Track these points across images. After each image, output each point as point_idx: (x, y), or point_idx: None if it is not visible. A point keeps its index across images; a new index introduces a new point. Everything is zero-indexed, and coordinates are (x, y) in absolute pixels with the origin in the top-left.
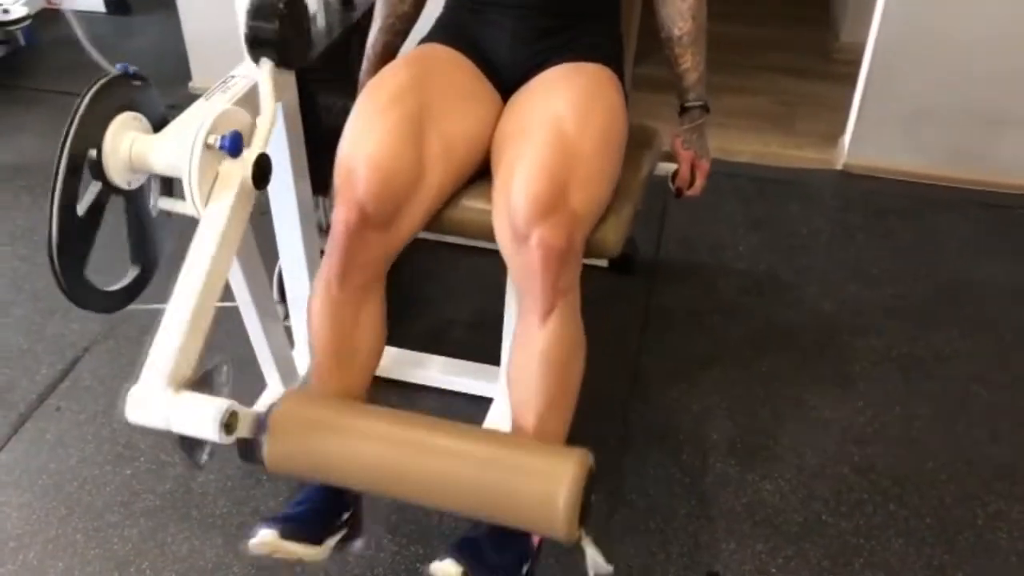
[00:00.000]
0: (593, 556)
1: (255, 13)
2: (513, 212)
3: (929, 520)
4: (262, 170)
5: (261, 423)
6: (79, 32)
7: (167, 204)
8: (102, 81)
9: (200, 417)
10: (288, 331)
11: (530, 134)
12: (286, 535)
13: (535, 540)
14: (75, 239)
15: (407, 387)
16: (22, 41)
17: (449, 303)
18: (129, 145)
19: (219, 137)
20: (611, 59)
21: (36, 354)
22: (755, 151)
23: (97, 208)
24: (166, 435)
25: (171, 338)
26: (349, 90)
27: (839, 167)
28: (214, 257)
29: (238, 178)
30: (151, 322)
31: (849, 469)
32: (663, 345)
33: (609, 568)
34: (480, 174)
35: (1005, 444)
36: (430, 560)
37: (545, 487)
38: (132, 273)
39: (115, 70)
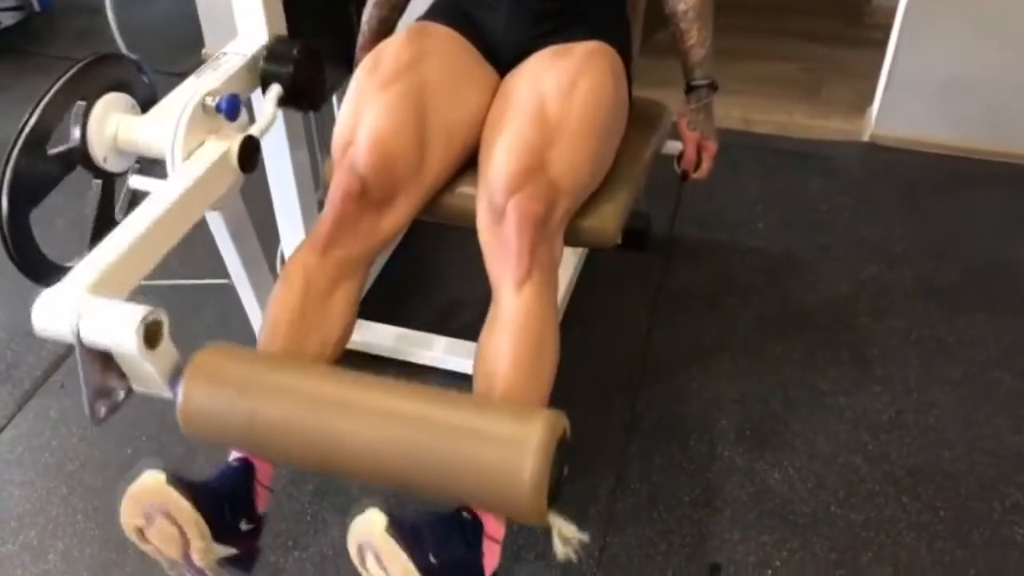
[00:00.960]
0: (560, 528)
1: (269, 55)
2: (491, 190)
3: (943, 513)
4: (248, 152)
5: (176, 375)
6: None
7: (140, 182)
8: (84, 63)
9: (117, 321)
10: None
11: (510, 116)
12: (175, 484)
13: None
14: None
15: (410, 367)
16: (36, 6)
17: (456, 283)
18: (115, 126)
19: (217, 97)
20: (611, 38)
21: None
22: (778, 121)
23: (107, 203)
24: (67, 346)
25: (105, 252)
26: (346, 61)
27: (866, 138)
28: (178, 200)
29: (222, 149)
30: (154, 299)
31: (862, 459)
32: (674, 327)
33: (583, 536)
34: (473, 160)
35: None
36: None
37: (507, 456)
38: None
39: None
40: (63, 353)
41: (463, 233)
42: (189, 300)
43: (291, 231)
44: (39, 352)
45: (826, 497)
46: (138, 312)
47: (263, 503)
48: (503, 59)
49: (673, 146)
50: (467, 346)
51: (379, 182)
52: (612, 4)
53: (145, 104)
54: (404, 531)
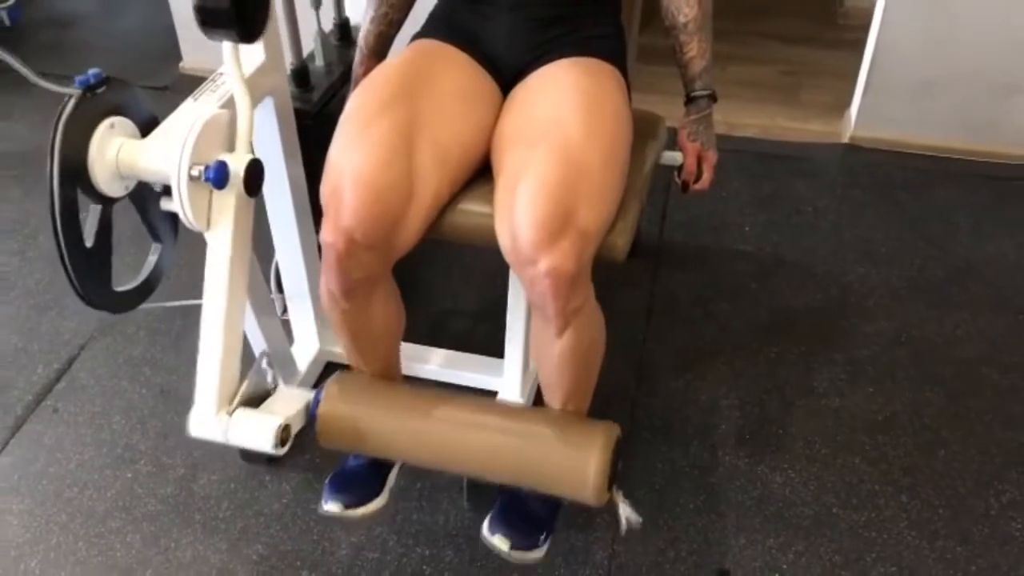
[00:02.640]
0: (625, 511)
1: None
2: (517, 234)
3: (942, 511)
4: (253, 176)
5: (314, 403)
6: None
7: (169, 205)
8: (71, 104)
9: (256, 435)
10: (286, 325)
11: (533, 143)
12: (349, 505)
13: None
14: (92, 266)
15: (410, 380)
16: (7, 21)
17: (449, 294)
18: (116, 152)
19: (203, 169)
20: (613, 52)
21: (31, 353)
22: (760, 125)
23: (105, 229)
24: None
25: (211, 362)
26: None
27: (846, 140)
28: (231, 277)
29: (232, 195)
30: (147, 319)
31: (860, 459)
32: (669, 333)
33: (640, 519)
34: (478, 175)
35: (1019, 430)
36: (437, 561)
37: (577, 456)
38: (155, 252)
39: (75, 87)
40: (55, 377)
41: (453, 246)
42: (192, 317)
43: (287, 246)
44: (30, 376)
45: (828, 499)
46: (271, 428)
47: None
48: (504, 71)
49: (669, 156)
50: (464, 358)
51: (369, 229)
52: (610, 14)
53: (144, 128)
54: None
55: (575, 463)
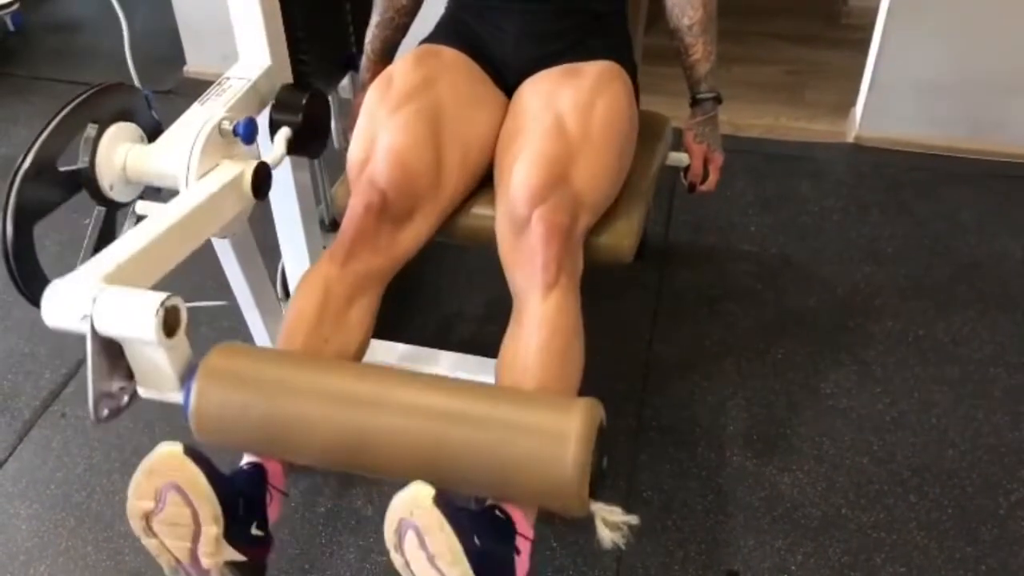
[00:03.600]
0: (605, 519)
1: (277, 105)
2: (512, 203)
3: (951, 511)
4: (260, 179)
5: (188, 377)
6: None
7: (145, 207)
8: (88, 93)
9: (135, 307)
10: None
11: (529, 130)
12: (192, 457)
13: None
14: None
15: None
16: (11, 26)
17: (456, 297)
18: (124, 156)
19: (234, 121)
20: (620, 57)
21: (39, 358)
22: (765, 125)
23: (107, 234)
24: (78, 339)
25: (118, 249)
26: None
27: (851, 139)
28: (192, 213)
29: (236, 171)
30: None
31: (868, 460)
32: (675, 334)
33: (632, 518)
34: (487, 181)
35: None
36: None
37: (549, 446)
38: None
39: None
40: (62, 382)
41: (460, 249)
42: (199, 320)
43: (293, 249)
44: (37, 381)
45: (836, 499)
46: (156, 298)
47: (276, 511)
48: (510, 80)
49: (675, 158)
50: (473, 360)
51: (399, 196)
52: (617, 22)
53: (151, 134)
54: (450, 507)
55: (546, 452)
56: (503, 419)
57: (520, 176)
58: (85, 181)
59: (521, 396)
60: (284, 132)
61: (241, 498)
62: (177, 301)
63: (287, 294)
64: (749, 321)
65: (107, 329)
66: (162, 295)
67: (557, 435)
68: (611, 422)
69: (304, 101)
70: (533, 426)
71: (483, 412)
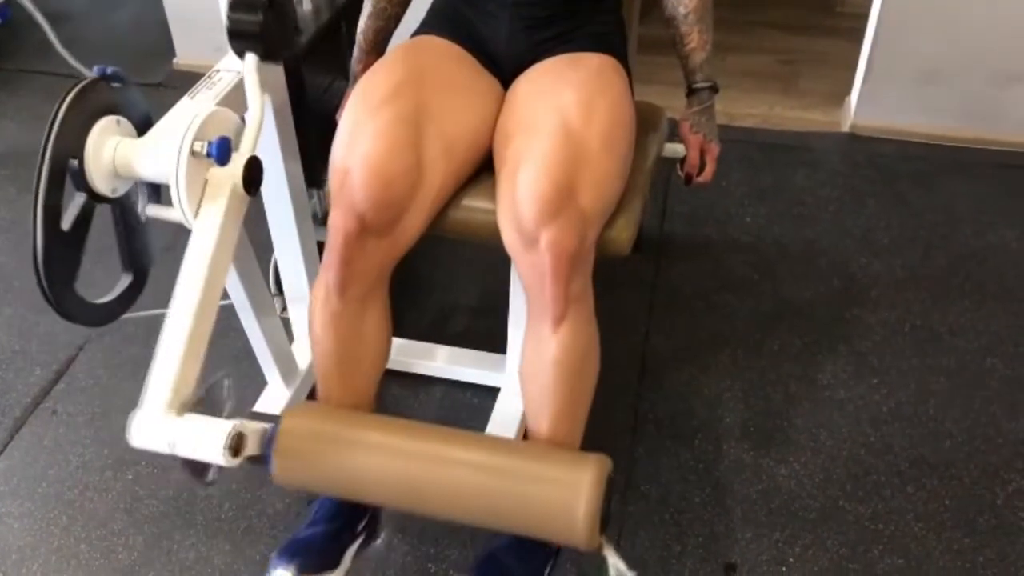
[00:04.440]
0: (615, 564)
1: (236, 5)
2: (519, 213)
3: (948, 502)
4: (253, 175)
5: (269, 438)
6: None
7: (155, 211)
8: (78, 87)
9: (205, 441)
10: (286, 324)
11: (534, 130)
12: (303, 570)
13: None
14: (62, 255)
15: (412, 378)
16: None
17: (451, 289)
18: (112, 151)
19: (205, 144)
20: (614, 47)
21: (29, 354)
22: (759, 114)
23: (83, 220)
24: (172, 457)
25: (170, 360)
26: (340, 77)
27: (846, 129)
28: (208, 273)
29: (228, 185)
30: (146, 319)
31: (865, 451)
32: (671, 327)
33: (633, 574)
34: (480, 171)
35: None
36: (442, 560)
37: (564, 496)
38: (124, 282)
39: (92, 73)
40: (53, 379)
41: (453, 241)
42: None
43: (286, 244)
44: (27, 378)
45: (833, 491)
46: (222, 432)
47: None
48: (505, 68)
49: (671, 149)
50: (468, 354)
51: (380, 213)
52: (611, 10)
53: (140, 126)
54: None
55: (562, 503)
56: (531, 473)
57: (527, 186)
58: (79, 183)
59: (546, 452)
60: (251, 59)
61: (338, 536)
62: (241, 429)
63: (280, 290)
64: (745, 313)
65: (190, 455)
66: (227, 428)
67: (573, 487)
68: (608, 415)
69: None
70: (555, 479)
71: (515, 467)
